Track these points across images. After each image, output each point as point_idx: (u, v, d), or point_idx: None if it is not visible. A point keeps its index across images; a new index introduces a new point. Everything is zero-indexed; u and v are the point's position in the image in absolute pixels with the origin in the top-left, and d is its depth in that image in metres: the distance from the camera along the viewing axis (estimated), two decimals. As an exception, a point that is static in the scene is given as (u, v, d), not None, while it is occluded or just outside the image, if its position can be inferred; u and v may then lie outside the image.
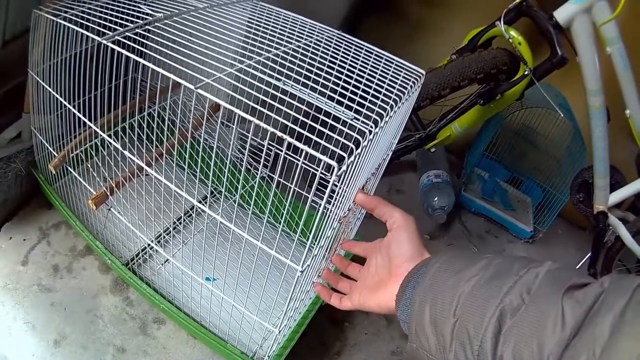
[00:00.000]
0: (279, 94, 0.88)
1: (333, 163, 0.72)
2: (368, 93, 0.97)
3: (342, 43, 1.10)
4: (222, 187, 1.31)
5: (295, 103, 0.88)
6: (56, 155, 1.31)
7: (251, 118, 0.77)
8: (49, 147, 1.34)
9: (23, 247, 1.42)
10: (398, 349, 1.46)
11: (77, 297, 1.34)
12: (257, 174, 1.38)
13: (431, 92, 1.38)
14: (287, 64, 0.98)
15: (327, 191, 0.77)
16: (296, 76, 0.95)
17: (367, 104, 0.94)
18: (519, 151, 2.19)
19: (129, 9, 1.07)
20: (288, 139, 0.75)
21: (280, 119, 0.80)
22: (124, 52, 0.92)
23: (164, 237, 1.49)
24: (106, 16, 1.02)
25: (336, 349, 1.42)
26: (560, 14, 1.39)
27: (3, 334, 1.22)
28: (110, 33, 0.97)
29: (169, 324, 1.33)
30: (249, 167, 1.30)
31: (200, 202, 0.99)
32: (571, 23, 1.39)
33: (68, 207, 1.43)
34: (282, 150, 0.79)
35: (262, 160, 0.92)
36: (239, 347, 1.19)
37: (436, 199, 1.84)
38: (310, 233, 0.84)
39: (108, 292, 1.37)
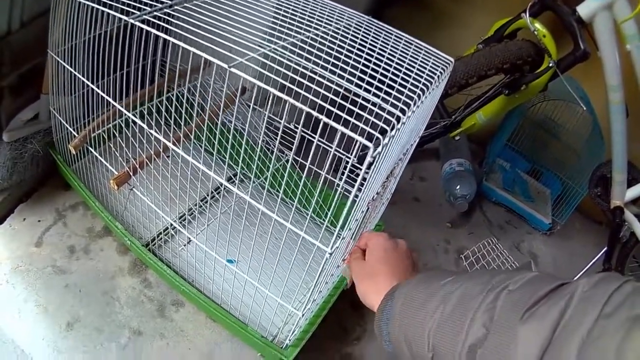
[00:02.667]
0: (308, 73, 0.89)
1: (369, 144, 0.73)
2: (397, 77, 0.98)
3: (371, 28, 1.11)
4: (249, 169, 1.32)
5: (326, 82, 0.89)
6: (76, 135, 1.31)
7: (287, 97, 0.78)
8: (69, 128, 1.35)
9: (37, 228, 1.43)
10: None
11: (93, 279, 1.34)
12: (282, 157, 1.39)
13: (459, 79, 1.41)
14: (317, 45, 0.99)
15: (360, 177, 0.79)
16: (326, 56, 0.96)
17: (396, 86, 0.95)
18: (540, 143, 2.21)
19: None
20: (324, 118, 0.76)
21: (311, 97, 0.82)
22: (153, 30, 0.93)
23: (187, 218, 1.50)
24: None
25: (356, 334, 1.44)
26: (583, 9, 1.41)
27: (12, 317, 1.22)
28: (138, 12, 0.97)
29: (188, 307, 1.34)
30: (274, 150, 1.31)
31: (227, 182, 1.00)
32: (593, 19, 1.41)
33: (87, 188, 1.44)
34: (311, 135, 0.80)
35: (293, 147, 0.94)
36: (259, 331, 1.21)
37: (458, 187, 1.87)
38: (330, 213, 0.86)
39: (126, 274, 1.37)
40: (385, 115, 0.83)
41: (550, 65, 1.47)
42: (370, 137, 0.75)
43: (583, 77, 1.72)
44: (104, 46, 1.21)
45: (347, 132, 0.75)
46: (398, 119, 0.83)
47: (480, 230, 1.95)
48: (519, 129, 2.17)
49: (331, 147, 0.83)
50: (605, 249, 1.82)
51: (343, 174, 0.88)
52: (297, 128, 0.83)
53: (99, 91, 1.19)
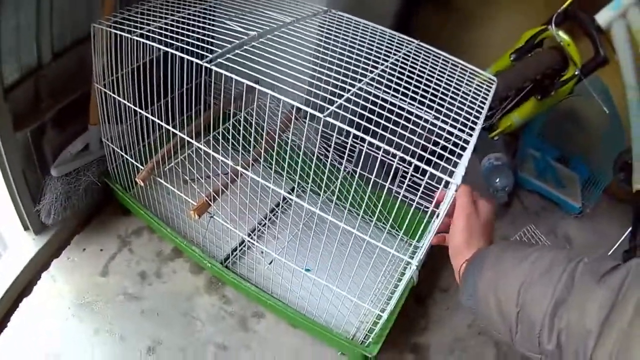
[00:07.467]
0: (387, 105, 1.07)
1: (453, 181, 0.93)
2: (455, 100, 1.17)
3: (420, 54, 1.28)
4: (314, 183, 1.45)
5: (405, 114, 1.06)
6: (142, 167, 1.39)
7: (361, 134, 0.95)
8: (130, 159, 1.42)
9: (101, 257, 1.48)
10: (474, 322, 1.59)
11: (169, 301, 1.41)
12: (346, 173, 1.50)
13: (500, 94, 1.59)
14: (386, 76, 1.17)
15: (446, 203, 0.95)
16: (404, 89, 1.14)
17: (454, 109, 1.14)
18: (566, 132, 2.36)
19: (209, 23, 1.20)
20: (416, 162, 0.94)
21: (400, 130, 0.99)
22: (227, 73, 1.04)
23: (260, 233, 1.60)
24: (184, 32, 1.14)
25: (421, 325, 1.55)
26: (600, 18, 1.59)
27: (83, 351, 1.28)
28: (210, 55, 1.06)
29: (269, 317, 1.42)
30: (337, 165, 1.45)
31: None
32: (610, 27, 1.59)
33: (151, 212, 1.51)
34: (401, 165, 0.98)
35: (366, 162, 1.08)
36: (342, 333, 1.32)
37: (498, 180, 2.04)
38: (398, 224, 1.02)
39: (203, 293, 1.45)
40: (454, 139, 1.02)
41: (576, 73, 1.64)
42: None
43: (604, 71, 1.87)
44: (150, 73, 1.29)
45: (438, 173, 0.95)
46: (467, 142, 1.02)
47: (520, 219, 2.09)
48: (548, 120, 2.32)
49: (418, 176, 1.01)
50: (630, 229, 1.97)
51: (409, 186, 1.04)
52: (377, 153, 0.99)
53: (157, 120, 1.29)
